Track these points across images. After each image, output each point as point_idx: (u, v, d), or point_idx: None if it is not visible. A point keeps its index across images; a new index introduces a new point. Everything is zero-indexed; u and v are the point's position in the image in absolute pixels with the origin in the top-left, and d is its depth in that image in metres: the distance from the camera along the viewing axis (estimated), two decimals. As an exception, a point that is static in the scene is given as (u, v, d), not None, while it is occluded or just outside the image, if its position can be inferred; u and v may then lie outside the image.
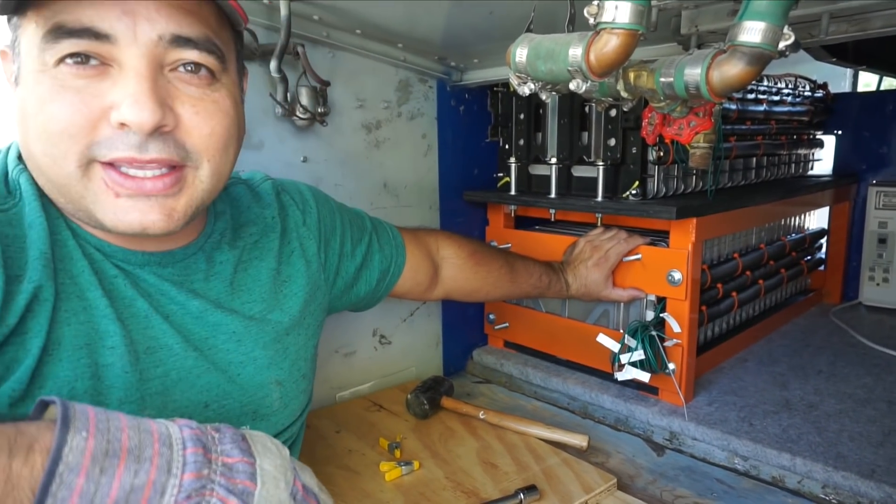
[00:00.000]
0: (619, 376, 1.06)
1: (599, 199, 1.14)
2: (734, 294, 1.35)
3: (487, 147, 1.39)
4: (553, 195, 1.21)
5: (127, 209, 0.55)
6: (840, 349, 1.39)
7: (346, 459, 0.98)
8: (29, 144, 0.55)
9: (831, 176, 1.77)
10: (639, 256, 1.12)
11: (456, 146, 1.34)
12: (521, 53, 0.66)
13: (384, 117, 1.21)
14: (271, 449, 0.42)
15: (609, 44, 0.57)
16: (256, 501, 0.39)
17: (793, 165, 1.64)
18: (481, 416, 1.09)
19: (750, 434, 1.01)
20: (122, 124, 0.53)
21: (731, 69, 0.55)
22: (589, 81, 0.60)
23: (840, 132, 1.76)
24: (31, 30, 0.53)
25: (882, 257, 1.64)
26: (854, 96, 1.76)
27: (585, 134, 1.19)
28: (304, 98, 1.04)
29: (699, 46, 0.80)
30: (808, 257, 1.72)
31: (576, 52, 0.59)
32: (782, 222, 1.59)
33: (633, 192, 1.12)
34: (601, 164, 1.13)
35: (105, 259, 0.60)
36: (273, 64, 0.98)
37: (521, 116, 1.29)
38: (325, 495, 0.46)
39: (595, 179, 1.16)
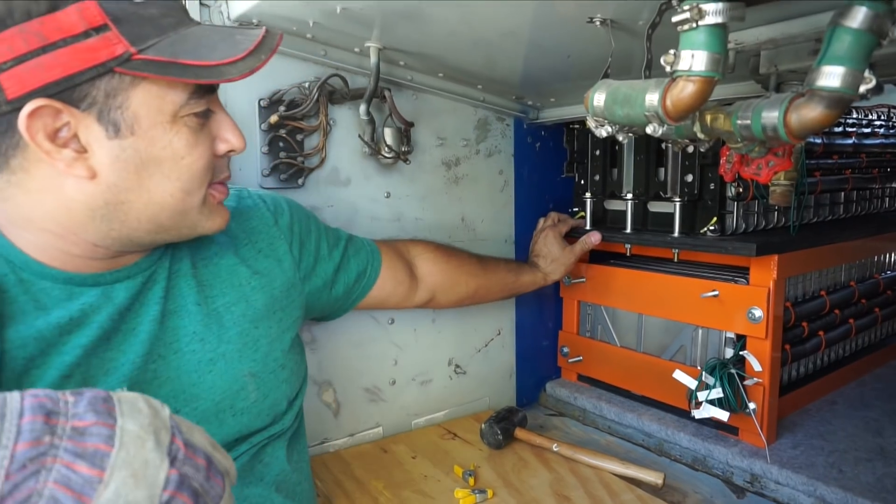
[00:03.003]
0: (697, 414, 1.04)
1: (676, 234, 1.14)
2: (821, 333, 1.30)
3: (563, 182, 1.41)
4: (629, 230, 1.22)
5: (224, 211, 0.69)
6: (942, 396, 1.30)
7: (422, 484, 1.01)
8: (153, 187, 0.60)
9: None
10: (716, 293, 1.11)
11: (532, 181, 1.38)
12: (598, 98, 0.69)
13: (463, 154, 1.27)
14: (141, 409, 0.39)
15: (685, 90, 0.59)
16: (113, 463, 0.36)
17: (887, 199, 1.57)
18: (555, 449, 1.10)
19: (839, 481, 0.97)
20: (231, 151, 0.66)
21: (810, 113, 0.56)
22: (665, 125, 0.63)
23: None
24: (157, 87, 0.58)
25: None
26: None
27: (662, 170, 1.20)
28: (389, 138, 1.11)
29: (779, 85, 0.80)
30: (906, 296, 1.62)
31: (652, 98, 0.62)
32: (875, 259, 1.52)
33: (712, 227, 1.11)
34: (678, 199, 1.13)
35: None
36: (362, 108, 1.05)
37: (597, 153, 1.31)
38: (221, 454, 0.43)
39: (671, 215, 1.16)
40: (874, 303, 1.48)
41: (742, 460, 1.06)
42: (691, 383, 1.05)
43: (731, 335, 1.13)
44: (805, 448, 1.08)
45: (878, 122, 1.49)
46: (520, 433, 1.15)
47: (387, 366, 1.20)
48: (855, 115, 1.43)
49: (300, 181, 1.06)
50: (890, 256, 1.58)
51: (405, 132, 1.13)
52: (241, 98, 0.99)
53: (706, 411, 1.02)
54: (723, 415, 1.01)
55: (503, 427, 1.13)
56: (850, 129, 1.39)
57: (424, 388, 1.26)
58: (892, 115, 1.56)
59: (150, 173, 0.60)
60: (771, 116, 0.59)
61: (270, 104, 1.02)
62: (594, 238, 1.25)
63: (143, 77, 0.56)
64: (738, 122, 0.64)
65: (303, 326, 1.06)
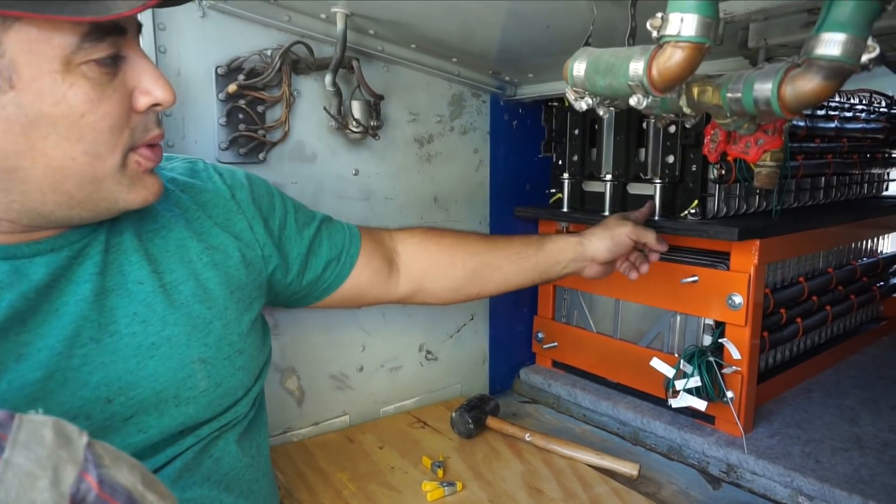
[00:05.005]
0: (674, 403, 1.01)
1: (656, 217, 1.10)
2: (798, 320, 1.28)
3: (540, 163, 1.37)
4: (607, 213, 1.18)
5: (153, 181, 0.60)
6: (917, 383, 1.30)
7: (389, 477, 0.97)
8: (49, 151, 0.52)
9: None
10: (695, 278, 1.07)
11: (508, 161, 1.32)
12: (578, 68, 0.64)
13: (436, 131, 1.21)
14: (43, 437, 0.33)
15: (673, 58, 0.55)
16: None
17: (865, 185, 1.55)
18: (527, 439, 1.06)
19: (816, 472, 0.95)
20: (155, 105, 0.57)
21: (807, 84, 0.51)
22: (650, 97, 0.58)
23: (918, 151, 1.65)
24: (36, 30, 0.49)
25: (964, 286, 1.52)
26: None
27: (642, 150, 1.15)
28: (358, 112, 1.05)
29: (767, 61, 0.76)
30: (881, 283, 1.62)
31: (637, 67, 0.57)
32: (853, 246, 1.50)
33: (692, 211, 1.07)
34: (658, 181, 1.09)
35: None
36: (328, 78, 0.99)
37: (576, 132, 1.26)
38: (158, 495, 0.36)
39: (651, 197, 1.12)
40: (850, 290, 1.46)
41: (718, 450, 1.04)
42: (669, 372, 1.02)
43: (709, 322, 1.10)
44: (781, 437, 1.06)
45: (859, 107, 1.46)
46: (492, 422, 1.11)
47: (354, 352, 1.15)
48: (837, 99, 1.40)
49: (261, 156, 0.99)
50: (866, 243, 1.57)
51: (374, 106, 1.07)
52: (196, 64, 0.92)
53: (683, 401, 0.99)
54: (700, 404, 0.98)
55: (474, 416, 1.09)
56: (832, 113, 1.36)
57: (394, 374, 1.21)
58: (873, 99, 1.54)
59: (43, 134, 0.51)
60: (764, 89, 0.55)
61: (228, 72, 0.95)
62: (663, 247, 1.00)
63: (13, 16, 0.47)
64: (728, 95, 0.59)
65: (265, 310, 1.00)
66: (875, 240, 1.59)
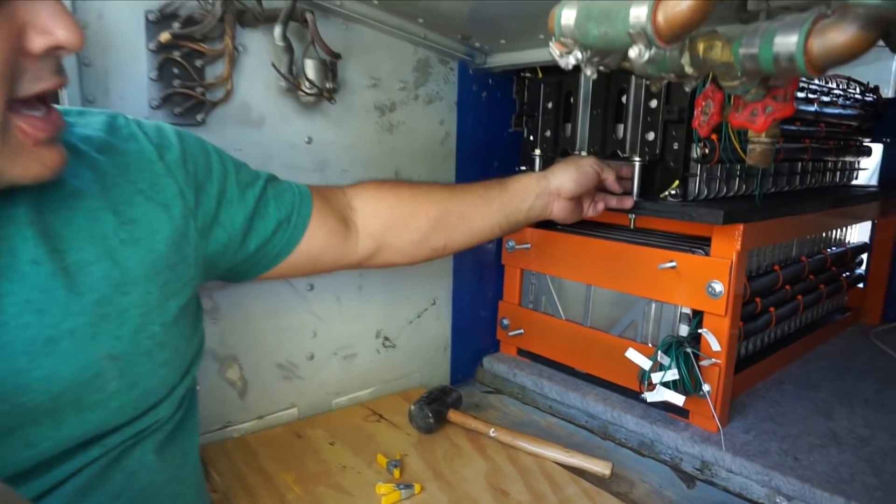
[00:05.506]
0: (649, 397, 0.95)
1: (634, 198, 1.02)
2: (772, 310, 1.23)
3: (510, 138, 1.28)
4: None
5: (51, 154, 0.49)
6: (886, 376, 1.27)
7: (340, 478, 0.88)
8: None
9: (877, 187, 1.64)
10: (673, 264, 1.01)
11: (476, 135, 1.23)
12: (567, 15, 0.55)
13: (399, 99, 1.11)
14: None
15: (683, 2, 0.46)
16: None
17: (837, 173, 1.52)
18: (492, 434, 0.98)
19: (796, 471, 0.90)
20: (56, 48, 0.45)
21: (840, 36, 0.43)
22: (653, 48, 0.49)
23: (889, 140, 1.63)
24: None
25: (930, 277, 1.51)
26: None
27: (621, 126, 1.07)
28: (311, 71, 0.94)
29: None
30: (847, 273, 1.59)
31: (640, 12, 0.48)
32: (823, 234, 1.47)
33: (672, 192, 1.00)
34: (637, 159, 1.01)
35: None
36: (277, 30, 0.87)
37: (550, 105, 1.18)
38: None
39: (630, 178, 1.04)
40: (820, 279, 1.43)
41: (693, 446, 0.98)
42: (645, 363, 0.95)
43: (686, 311, 1.03)
44: (757, 433, 1.01)
45: (837, 91, 1.42)
46: (453, 416, 1.03)
47: (304, 338, 1.05)
48: (818, 81, 1.35)
49: (200, 117, 0.87)
50: (835, 233, 1.54)
51: (330, 66, 0.96)
52: (122, 7, 0.79)
53: (660, 395, 0.93)
54: (678, 399, 0.92)
55: (435, 409, 1.01)
56: (811, 96, 1.31)
57: (348, 363, 1.12)
58: (849, 85, 1.50)
59: None
60: (787, 42, 0.47)
61: (161, 19, 0.82)
62: (627, 203, 0.99)
63: None
64: (741, 50, 0.51)
65: (203, 292, 0.89)
66: (842, 230, 1.57)
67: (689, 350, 0.96)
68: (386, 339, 1.17)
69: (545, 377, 1.22)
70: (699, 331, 0.96)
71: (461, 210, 0.87)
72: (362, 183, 0.87)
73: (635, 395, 1.11)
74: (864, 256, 1.67)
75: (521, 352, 1.33)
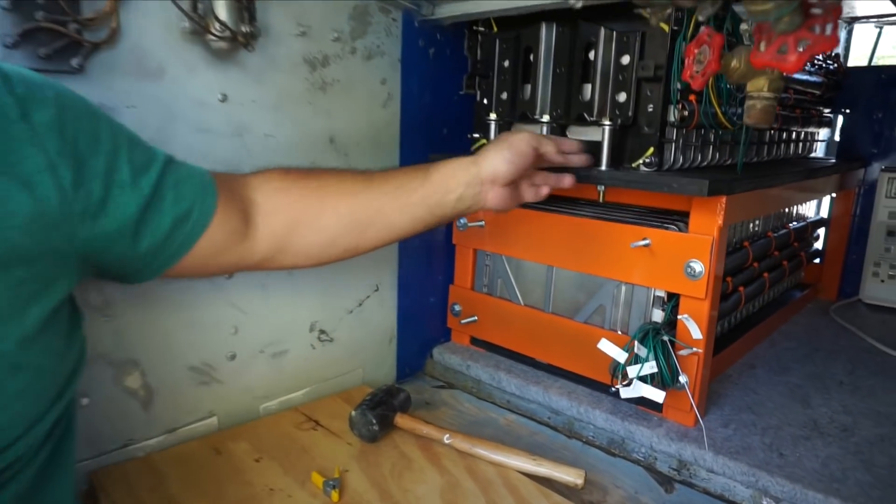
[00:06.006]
0: (625, 393, 0.83)
1: (603, 167, 0.90)
2: (741, 289, 1.15)
3: (462, 101, 1.13)
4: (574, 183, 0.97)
5: None
6: (854, 355, 1.21)
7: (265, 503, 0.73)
8: None
9: (835, 159, 1.59)
10: (647, 241, 0.89)
11: (423, 98, 1.08)
12: None
13: (333, 52, 0.94)
14: None
15: None
16: None
17: (800, 144, 1.45)
18: (446, 441, 0.85)
19: (783, 469, 0.81)
20: None
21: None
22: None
23: (848, 111, 1.58)
24: None
25: (889, 251, 1.47)
26: (870, 71, 1.58)
27: (587, 87, 0.95)
28: (222, 10, 0.76)
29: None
30: (806, 249, 1.54)
31: None
32: (785, 209, 1.40)
33: (647, 160, 0.88)
34: (608, 124, 0.89)
35: None
36: (175, -46, 0.70)
37: (506, 64, 1.04)
38: None
39: (598, 144, 0.92)
40: (783, 255, 1.36)
41: (669, 444, 0.88)
42: (620, 356, 0.84)
43: (660, 294, 0.93)
44: (737, 426, 0.92)
45: (802, 56, 1.34)
46: (401, 420, 0.89)
47: (223, 335, 0.88)
48: (785, 45, 1.27)
49: (76, 62, 0.69)
50: (797, 207, 1.48)
51: (247, 5, 0.79)
52: None
53: (636, 390, 0.82)
54: (658, 395, 0.81)
55: (379, 414, 0.87)
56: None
57: (277, 361, 0.96)
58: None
59: None
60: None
61: (16, -70, 0.64)
62: (565, 181, 0.86)
63: None
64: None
65: (90, 283, 0.72)
66: (803, 204, 1.51)
67: (666, 338, 0.86)
68: (322, 332, 1.02)
69: (503, 369, 1.10)
70: (679, 317, 0.85)
71: (377, 205, 0.74)
72: (266, 171, 0.73)
73: (603, 388, 1.00)
74: (821, 231, 1.63)
75: (474, 341, 1.20)
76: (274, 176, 0.72)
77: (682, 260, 0.87)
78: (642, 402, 0.88)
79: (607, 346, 0.84)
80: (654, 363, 0.82)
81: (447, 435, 0.86)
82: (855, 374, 1.12)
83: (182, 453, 0.82)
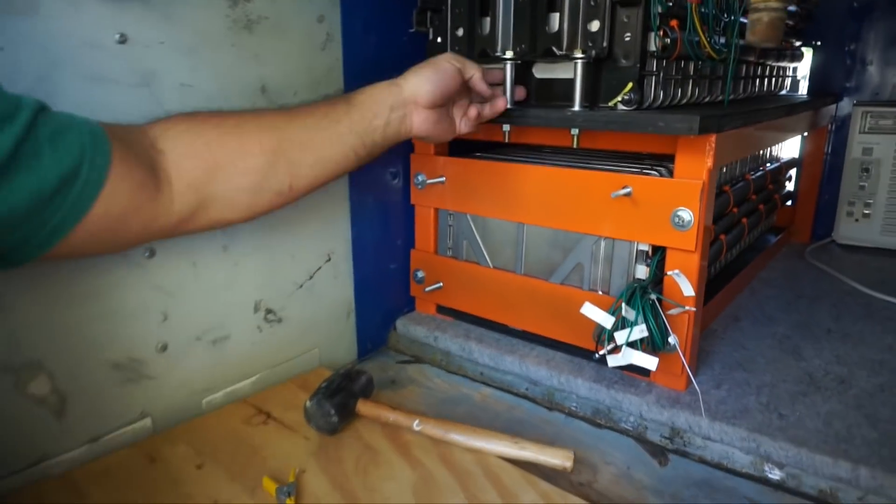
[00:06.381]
0: (613, 361, 0.75)
1: (577, 108, 0.80)
2: (723, 237, 1.08)
3: (413, 40, 1.00)
4: (508, 105, 0.86)
5: None
6: (837, 300, 1.16)
7: (208, 521, 0.62)
8: None
9: (807, 96, 1.52)
10: (628, 190, 0.80)
11: (368, 38, 0.95)
12: None
13: (257, -16, 0.80)
14: None
15: None
16: None
17: (773, 80, 1.37)
18: (416, 428, 0.76)
19: (785, 431, 0.74)
20: None
21: None
22: None
23: (819, 43, 1.50)
24: None
25: (864, 189, 1.42)
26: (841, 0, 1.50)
27: (555, 16, 0.83)
28: (108, -73, 0.61)
29: None
30: (779, 192, 1.48)
31: None
32: (761, 151, 1.33)
33: (626, 96, 0.78)
34: (580, 56, 0.78)
35: None
36: None
37: (460, -6, 0.91)
38: None
39: (569, 82, 0.81)
40: (760, 198, 1.30)
41: (660, 411, 0.80)
42: (606, 321, 0.74)
43: (644, 247, 0.84)
44: (730, 386, 0.85)
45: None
46: (364, 407, 0.79)
47: (150, 324, 0.76)
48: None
49: (-86, -5, 0.54)
50: (770, 148, 1.41)
51: (139, -80, 0.64)
52: None
53: (626, 357, 0.73)
54: (650, 362, 0.73)
55: (339, 402, 0.76)
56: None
57: (218, 349, 0.84)
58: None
59: None
60: None
61: None
62: (499, 105, 0.84)
63: None
64: None
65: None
66: (779, 143, 1.44)
67: (654, 297, 0.77)
68: (269, 311, 0.90)
69: (473, 339, 1.00)
70: (668, 273, 0.76)
71: (303, 136, 0.68)
72: (169, 117, 0.62)
73: (584, 354, 0.92)
74: (793, 172, 1.57)
75: (441, 309, 1.10)
76: (179, 119, 0.62)
77: (668, 209, 0.77)
78: (631, 367, 0.79)
79: (591, 311, 0.75)
80: (643, 326, 0.73)
81: (417, 421, 0.76)
82: (841, 320, 1.07)
83: (108, 466, 0.70)
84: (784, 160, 1.49)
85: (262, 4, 0.80)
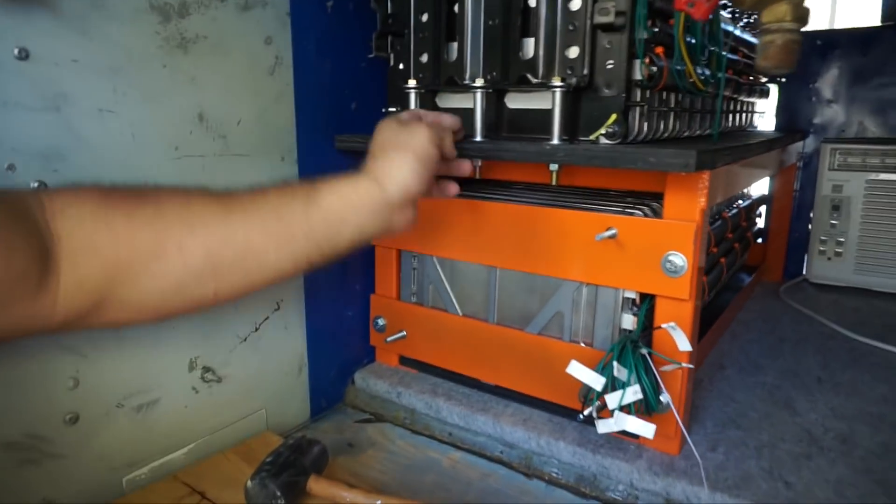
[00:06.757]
0: (605, 427, 0.65)
1: (556, 141, 0.72)
2: (704, 278, 1.01)
3: (373, 67, 0.91)
4: (478, 138, 0.78)
5: None
6: (820, 343, 1.11)
7: None
8: None
9: (774, 132, 1.50)
10: (613, 232, 0.72)
11: (323, 63, 0.86)
12: None
13: (195, -1, 0.70)
14: None
15: None
16: None
17: (741, 116, 1.34)
18: (378, 510, 0.65)
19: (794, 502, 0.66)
20: None
21: None
22: None
23: (784, 79, 1.48)
24: None
25: (835, 227, 1.39)
26: (805, 37, 1.49)
27: (530, 42, 0.76)
28: (6, -80, 0.51)
29: None
30: (751, 229, 1.44)
31: None
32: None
33: (609, 129, 0.71)
34: (559, 85, 0.71)
35: None
36: None
37: (425, 17, 0.83)
38: None
39: (545, 113, 0.74)
40: (735, 237, 1.25)
41: (653, 480, 0.71)
42: (597, 382, 0.65)
43: (630, 295, 0.76)
44: (727, 447, 0.76)
45: (746, 17, 1.22)
46: (316, 485, 0.67)
47: (56, 392, 0.63)
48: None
49: None
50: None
51: (47, -85, 0.54)
52: None
53: (620, 423, 0.64)
54: (648, 429, 0.63)
55: (286, 481, 0.64)
56: (735, 14, 1.09)
57: (145, 416, 0.72)
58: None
59: None
60: None
61: None
62: (465, 169, 0.75)
63: None
64: None
65: None
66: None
67: (644, 351, 0.69)
68: (207, 369, 0.78)
69: (441, 395, 0.90)
70: (665, 326, 0.68)
71: (242, 237, 0.53)
72: (76, 189, 0.49)
73: (565, 413, 0.82)
74: (763, 209, 1.54)
75: (404, 361, 1.00)
76: (87, 196, 0.48)
77: (658, 253, 0.70)
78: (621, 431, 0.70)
79: (579, 371, 0.66)
80: (637, 388, 0.64)
81: (379, 501, 0.65)
82: (829, 368, 1.01)
83: (-6, 572, 0.57)
84: (754, 197, 1.46)
85: (200, 22, 0.70)
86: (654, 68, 0.70)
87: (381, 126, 0.65)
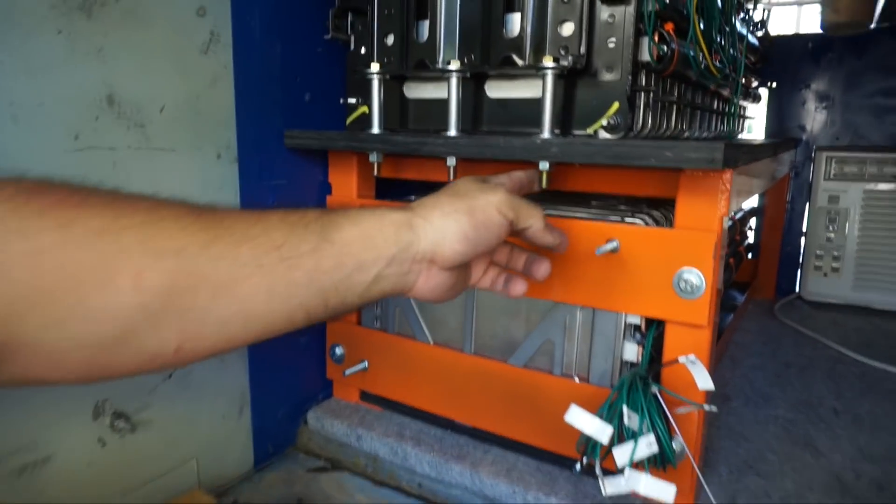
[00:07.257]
0: (614, 487, 0.52)
1: (546, 135, 0.60)
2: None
3: (329, 52, 0.78)
4: (454, 132, 0.65)
5: None
6: (829, 368, 1.00)
7: None
8: None
9: (767, 139, 1.42)
10: (615, 244, 0.60)
11: (270, 45, 0.72)
12: None
13: (103, -45, 0.56)
14: None
15: None
16: None
17: (737, 120, 1.24)
18: None
19: (842, 576, 0.54)
20: None
21: None
22: None
23: (775, 84, 1.40)
24: None
25: (831, 241, 1.30)
26: (796, 40, 1.42)
27: (515, 17, 0.64)
28: None
29: None
30: (743, 243, 1.35)
31: None
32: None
33: (610, 120, 0.59)
34: (551, 66, 0.59)
35: None
36: None
37: (390, -8, 0.71)
38: None
39: (533, 103, 0.62)
40: (730, 252, 1.14)
41: (666, 546, 0.59)
42: (602, 433, 0.52)
43: (633, 320, 0.64)
44: (747, 498, 0.64)
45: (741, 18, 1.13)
46: (248, 568, 0.53)
47: None
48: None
49: None
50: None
51: None
52: None
53: (633, 483, 0.51)
54: (668, 492, 0.51)
55: (207, 566, 0.50)
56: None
57: (30, 478, 0.56)
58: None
59: None
60: None
61: None
62: (540, 272, 0.54)
63: None
64: None
65: None
66: (741, 190, 1.31)
67: (654, 390, 0.56)
68: (118, 415, 0.63)
69: (408, 438, 0.76)
70: (682, 360, 0.56)
71: (223, 274, 0.37)
72: None
73: (556, 459, 0.69)
74: (753, 222, 1.45)
75: (365, 396, 0.86)
76: (9, 189, 0.32)
77: (669, 269, 0.58)
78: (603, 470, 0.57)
79: (580, 419, 0.52)
80: (652, 438, 0.51)
81: (326, 589, 0.51)
82: (843, 397, 0.90)
83: None
84: (746, 209, 1.36)
85: (109, -19, 0.57)
86: (665, 48, 0.58)
87: (459, 179, 0.51)
